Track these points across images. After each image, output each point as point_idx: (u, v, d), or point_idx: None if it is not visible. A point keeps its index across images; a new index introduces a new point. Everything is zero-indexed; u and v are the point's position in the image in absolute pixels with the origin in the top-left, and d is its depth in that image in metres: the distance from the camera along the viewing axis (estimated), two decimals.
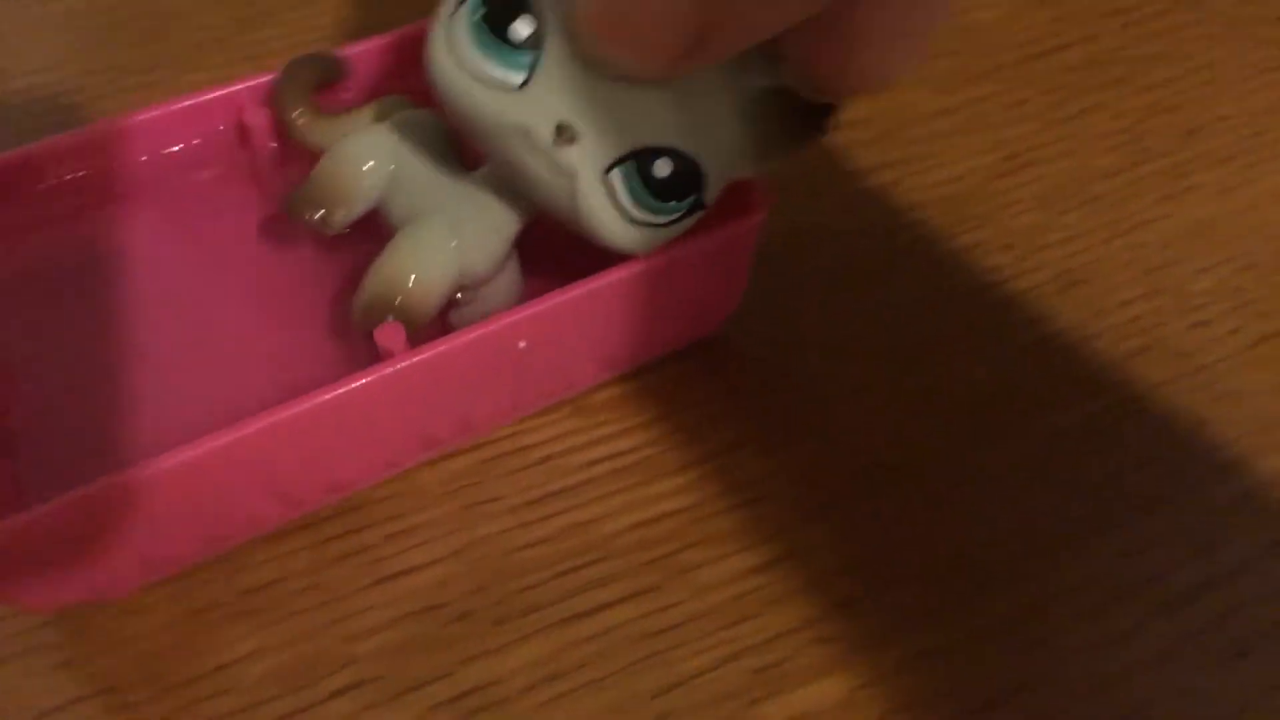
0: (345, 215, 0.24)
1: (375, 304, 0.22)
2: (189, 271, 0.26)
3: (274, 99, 0.25)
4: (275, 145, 0.26)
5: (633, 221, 0.22)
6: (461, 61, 0.21)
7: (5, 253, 0.25)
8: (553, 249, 0.23)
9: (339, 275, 0.25)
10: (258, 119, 0.26)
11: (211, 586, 0.23)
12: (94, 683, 0.21)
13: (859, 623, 0.23)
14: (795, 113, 0.22)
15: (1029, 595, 0.24)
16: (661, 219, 0.22)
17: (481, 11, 0.20)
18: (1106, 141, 0.32)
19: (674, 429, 0.25)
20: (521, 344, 0.23)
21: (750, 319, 0.27)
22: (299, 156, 0.25)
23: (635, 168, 0.21)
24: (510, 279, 0.24)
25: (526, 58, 0.20)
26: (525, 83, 0.20)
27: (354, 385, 0.21)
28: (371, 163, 0.23)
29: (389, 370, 0.21)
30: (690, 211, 0.22)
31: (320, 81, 0.25)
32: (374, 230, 0.24)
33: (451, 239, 0.23)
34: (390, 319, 0.22)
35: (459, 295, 0.23)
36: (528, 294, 0.23)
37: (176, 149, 0.26)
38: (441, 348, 0.22)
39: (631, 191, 0.21)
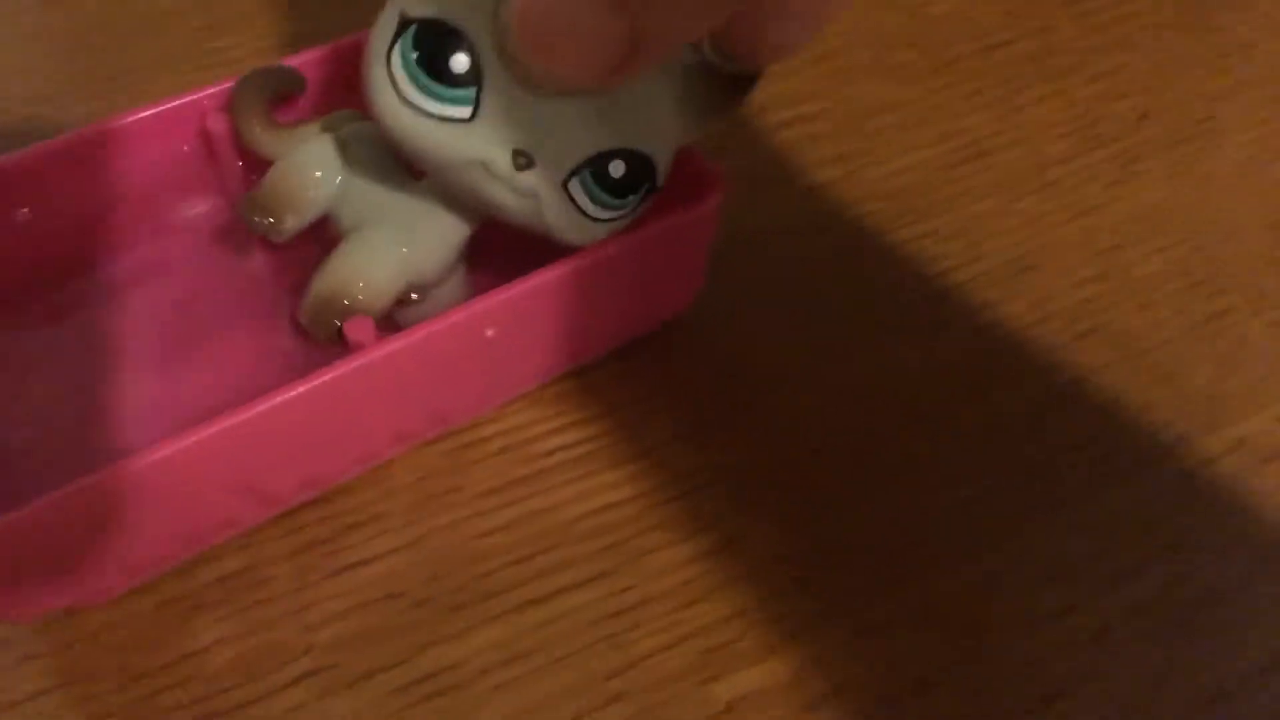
0: (295, 222, 0.24)
1: (324, 304, 0.23)
2: (153, 276, 0.26)
3: (230, 109, 0.26)
4: (237, 152, 0.26)
5: (596, 221, 0.23)
6: (407, 101, 0.21)
7: None
8: (510, 239, 0.23)
9: (303, 278, 0.26)
10: (220, 125, 0.26)
11: (176, 579, 0.23)
12: (60, 674, 0.22)
13: (804, 604, 0.23)
14: (719, 84, 0.22)
15: (970, 574, 0.24)
16: (622, 212, 0.23)
17: (415, 54, 0.21)
18: (1059, 129, 0.33)
19: (627, 419, 0.26)
20: (489, 332, 0.23)
21: (703, 312, 0.28)
22: (261, 163, 0.26)
23: (591, 175, 0.22)
24: (458, 282, 0.24)
25: (469, 91, 0.21)
26: (473, 115, 0.21)
27: (325, 378, 0.21)
28: (320, 172, 0.24)
29: (359, 362, 0.22)
30: (646, 196, 0.23)
31: (275, 93, 0.26)
32: (330, 238, 0.24)
33: (401, 245, 0.23)
34: (339, 321, 0.22)
35: (413, 296, 0.24)
36: (490, 284, 0.24)
37: (141, 156, 0.27)
38: (410, 338, 0.22)
39: (592, 196, 0.22)
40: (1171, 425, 0.27)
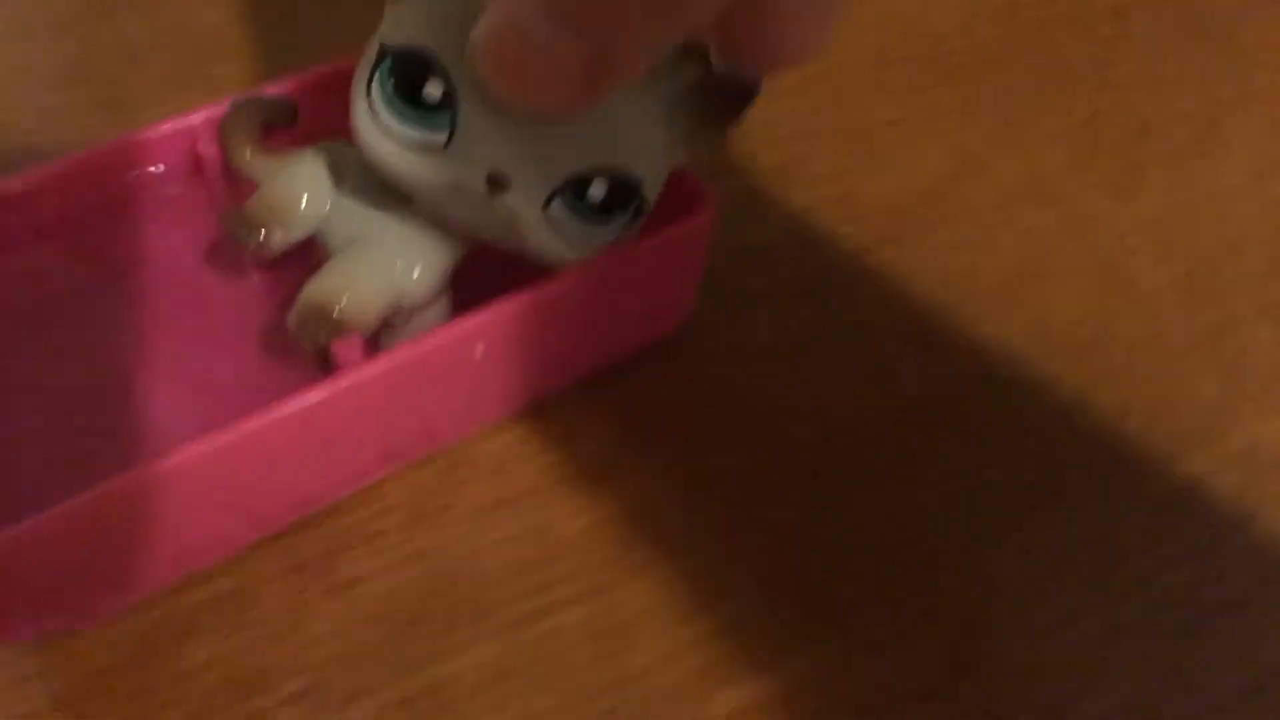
0: (283, 237, 0.24)
1: (313, 313, 0.22)
2: (143, 297, 0.26)
3: (220, 134, 0.26)
4: (227, 176, 0.26)
5: (580, 242, 0.22)
6: (387, 131, 0.22)
7: None
8: (495, 264, 0.23)
9: (284, 298, 0.26)
10: (211, 149, 0.26)
11: (168, 599, 0.23)
12: (52, 696, 0.22)
13: (804, 616, 0.23)
14: (714, 100, 0.22)
15: (970, 582, 0.24)
16: (608, 232, 0.23)
17: (391, 82, 0.21)
18: (1060, 142, 0.33)
19: (620, 435, 0.26)
20: (479, 350, 0.23)
21: (701, 328, 0.27)
22: (249, 188, 0.26)
23: (572, 196, 0.22)
24: (441, 309, 0.24)
25: (445, 116, 0.21)
26: (449, 140, 0.21)
27: (315, 398, 0.21)
28: (310, 191, 0.24)
29: (348, 382, 0.22)
30: (634, 217, 0.23)
31: (267, 121, 0.26)
32: (317, 260, 0.24)
33: (391, 264, 0.23)
34: (326, 332, 0.22)
35: (396, 318, 0.24)
36: (471, 301, 0.24)
37: (133, 178, 0.27)
38: (399, 356, 0.22)
39: (572, 217, 0.22)
40: (1179, 435, 0.26)
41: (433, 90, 0.21)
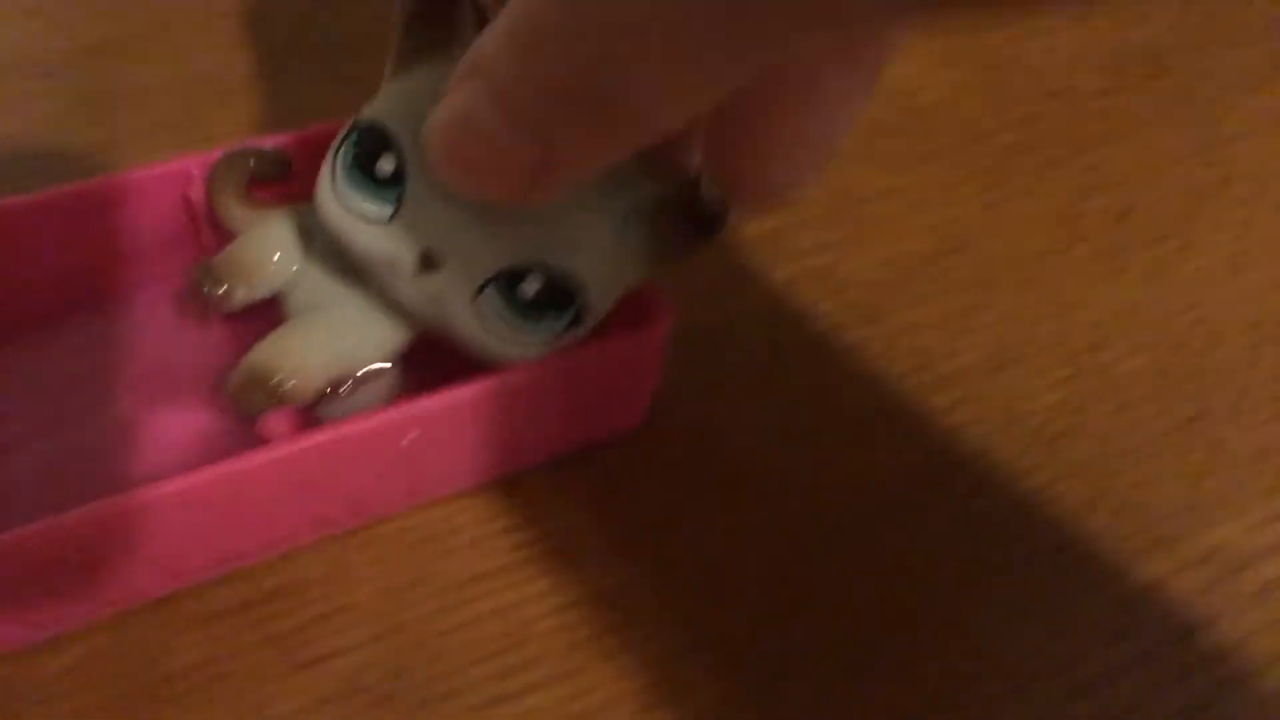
0: (245, 294, 0.25)
1: (252, 379, 0.23)
2: (114, 335, 0.27)
3: (208, 182, 0.26)
4: (215, 222, 0.27)
5: (508, 338, 0.22)
6: (341, 197, 0.22)
7: None
8: (444, 347, 0.23)
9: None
10: (202, 195, 0.27)
11: (133, 671, 0.23)
12: None
13: (771, 707, 0.23)
14: (681, 219, 0.22)
15: (937, 683, 0.24)
16: (539, 333, 0.23)
17: (352, 153, 0.22)
18: (1042, 223, 0.33)
19: (595, 513, 0.26)
20: (406, 439, 0.23)
21: (679, 401, 0.28)
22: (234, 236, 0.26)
23: (505, 286, 0.22)
24: (388, 382, 0.24)
25: (393, 192, 0.22)
26: (393, 216, 0.22)
27: (236, 468, 0.22)
28: (278, 252, 0.25)
29: (271, 455, 0.22)
30: (572, 324, 0.23)
31: (257, 173, 0.26)
32: (278, 320, 0.25)
33: (339, 337, 0.24)
34: (263, 399, 0.23)
35: (336, 390, 0.24)
36: (426, 383, 0.24)
37: (122, 218, 0.27)
38: (323, 436, 0.22)
39: (503, 310, 0.22)
40: (1143, 532, 0.27)
41: (385, 165, 0.22)
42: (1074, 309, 0.31)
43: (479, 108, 0.18)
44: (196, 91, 0.35)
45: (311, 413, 0.24)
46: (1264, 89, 0.38)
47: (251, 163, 0.26)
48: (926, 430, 0.28)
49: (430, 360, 0.25)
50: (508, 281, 0.22)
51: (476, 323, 0.22)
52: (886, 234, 0.32)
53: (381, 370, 0.24)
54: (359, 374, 0.24)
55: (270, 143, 0.27)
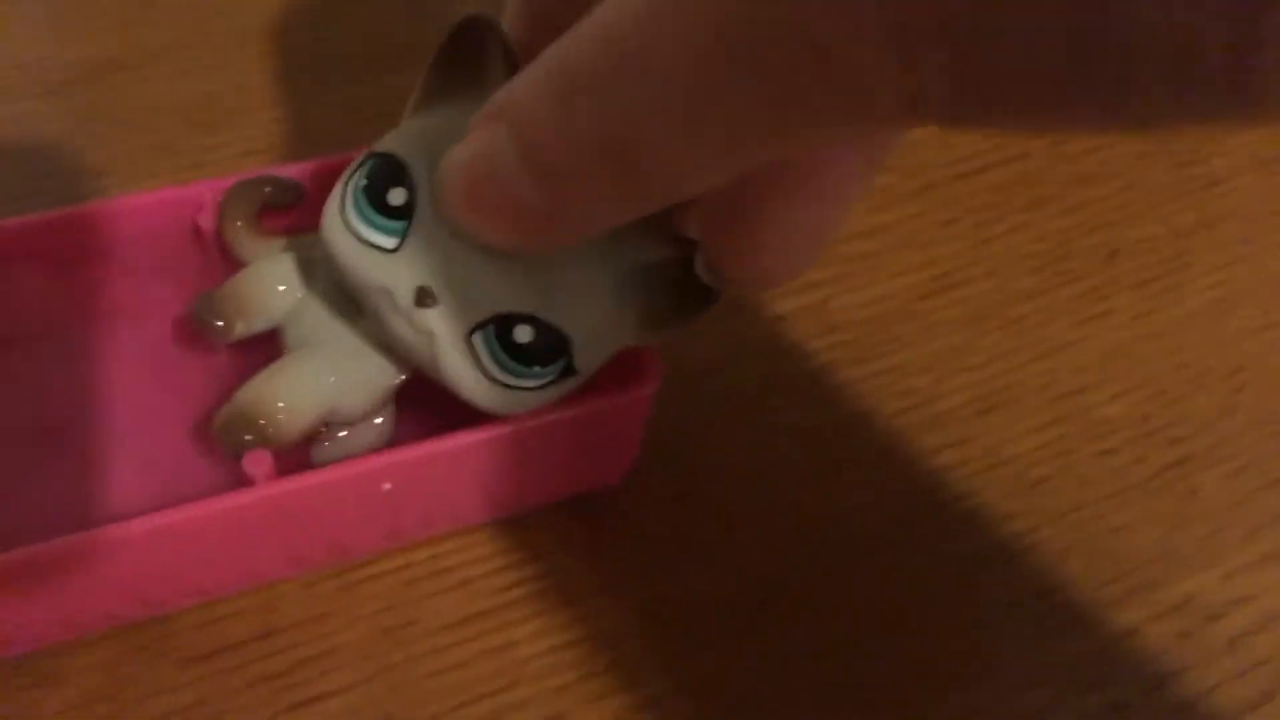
0: (243, 329, 0.25)
1: (237, 421, 0.23)
2: (111, 355, 0.27)
3: (220, 211, 0.26)
4: (223, 248, 0.27)
5: (496, 383, 0.23)
6: (347, 224, 0.22)
7: None
8: (437, 392, 0.24)
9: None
10: (211, 222, 0.27)
11: (127, 712, 0.23)
12: None
13: None
14: (676, 288, 0.23)
15: None
16: (527, 384, 0.23)
17: (365, 182, 0.22)
18: (1030, 262, 0.34)
19: (584, 556, 0.26)
20: (386, 486, 0.24)
21: (668, 439, 0.28)
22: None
23: (495, 332, 0.22)
24: (381, 425, 0.25)
25: (400, 224, 0.22)
26: (398, 247, 0.22)
27: (211, 509, 0.22)
28: (279, 286, 0.25)
29: (248, 498, 0.23)
30: (560, 378, 0.23)
31: (269, 202, 0.27)
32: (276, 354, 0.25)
33: (330, 375, 0.24)
34: (249, 438, 0.23)
35: (326, 430, 0.24)
36: (412, 430, 0.24)
37: (130, 239, 0.27)
38: (303, 482, 0.23)
39: (493, 355, 0.22)
40: (1119, 580, 0.27)
41: (396, 197, 0.22)
42: (1060, 350, 0.32)
43: (500, 150, 0.18)
44: (200, 113, 0.35)
45: (304, 453, 0.25)
46: (1251, 130, 0.38)
47: (266, 190, 0.26)
48: (912, 473, 0.29)
49: (426, 399, 0.25)
50: (500, 327, 0.22)
51: (464, 361, 0.23)
52: (876, 272, 0.33)
53: (374, 412, 0.25)
54: (347, 415, 0.24)
55: (284, 172, 0.27)
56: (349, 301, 0.24)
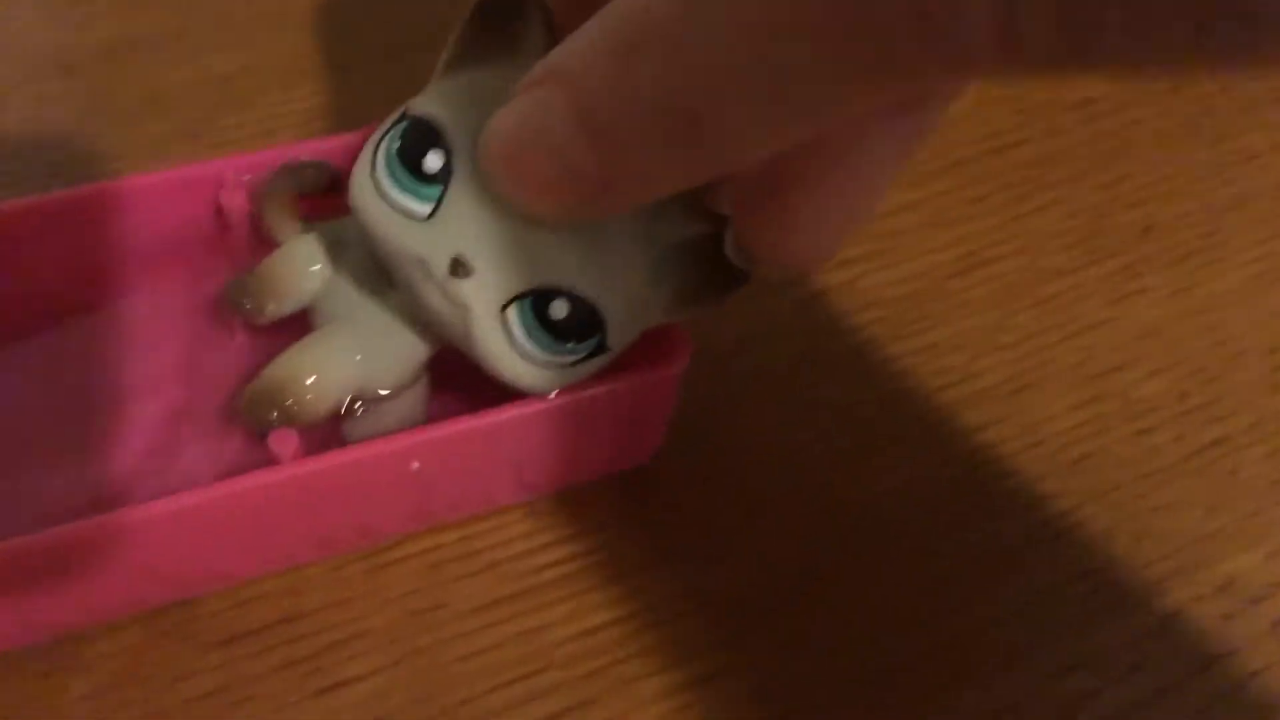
0: (275, 309, 0.25)
1: (263, 398, 0.23)
2: (129, 343, 0.27)
3: (260, 194, 0.26)
4: (249, 225, 0.27)
5: (529, 359, 0.22)
6: (378, 186, 0.22)
7: None
8: (471, 368, 0.23)
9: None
10: (235, 200, 0.26)
11: (155, 695, 0.23)
12: None
13: None
14: (708, 268, 0.22)
15: (956, 714, 0.24)
16: (559, 359, 0.22)
17: (398, 144, 0.21)
18: (1062, 240, 0.33)
19: (616, 538, 0.26)
20: (415, 465, 0.23)
21: (694, 422, 0.27)
22: (271, 242, 0.26)
23: (531, 306, 0.22)
24: (411, 401, 0.24)
25: (435, 190, 0.21)
26: (432, 214, 0.21)
27: (236, 488, 0.22)
28: (310, 266, 0.25)
29: (274, 477, 0.22)
30: (593, 354, 0.22)
31: (306, 187, 0.26)
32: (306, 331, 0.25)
33: (356, 352, 0.23)
34: (275, 416, 0.23)
35: (357, 406, 0.24)
36: (441, 409, 0.24)
37: (150, 219, 0.27)
38: (330, 462, 0.22)
39: (527, 329, 0.22)
40: (1161, 561, 0.27)
41: (432, 162, 0.21)
42: (1095, 328, 0.31)
43: (550, 114, 0.18)
44: (218, 93, 0.35)
45: (336, 431, 0.24)
46: None
47: (308, 174, 0.26)
48: (947, 453, 0.28)
49: (454, 377, 0.24)
50: (537, 300, 0.22)
51: (497, 334, 0.22)
52: (907, 250, 0.32)
53: (405, 388, 0.24)
54: (376, 391, 0.24)
55: (305, 150, 0.27)
56: (379, 276, 0.24)
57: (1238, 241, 0.33)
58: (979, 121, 0.36)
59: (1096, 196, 0.34)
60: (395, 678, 0.24)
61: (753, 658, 0.24)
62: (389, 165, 0.22)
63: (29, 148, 0.33)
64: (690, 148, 0.17)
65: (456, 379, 0.25)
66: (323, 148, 0.27)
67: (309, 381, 0.23)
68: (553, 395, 0.23)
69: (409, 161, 0.21)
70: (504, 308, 0.22)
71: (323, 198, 0.27)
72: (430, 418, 0.24)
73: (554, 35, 0.21)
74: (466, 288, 0.21)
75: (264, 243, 0.26)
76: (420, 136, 0.21)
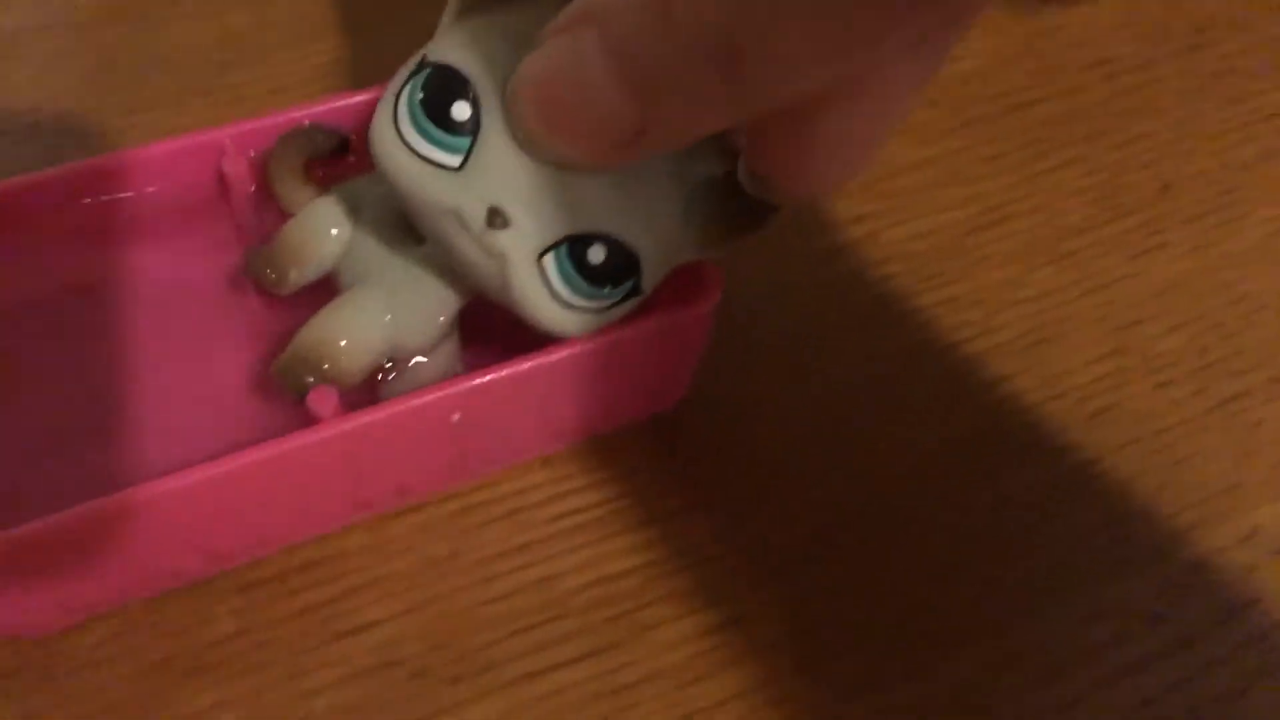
0: (298, 277, 0.24)
1: (297, 364, 0.23)
2: (147, 310, 0.26)
3: (269, 164, 0.26)
4: (252, 192, 0.27)
5: (566, 306, 0.22)
6: (403, 139, 0.21)
7: None
8: (502, 316, 0.23)
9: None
10: (236, 167, 0.26)
11: (171, 639, 0.23)
12: None
13: (808, 688, 0.23)
14: (738, 203, 0.22)
15: (979, 662, 0.24)
16: (596, 304, 0.22)
17: (421, 95, 0.21)
18: (1081, 197, 0.33)
19: (634, 487, 0.26)
20: (455, 417, 0.23)
21: (716, 374, 0.27)
22: (275, 204, 0.26)
23: (568, 253, 0.21)
24: (446, 356, 0.24)
25: (464, 140, 0.21)
26: (462, 165, 0.21)
27: (280, 449, 0.21)
28: (329, 229, 0.24)
29: (318, 435, 0.22)
30: (628, 296, 0.22)
31: (314, 152, 0.26)
32: (331, 294, 0.24)
33: (385, 312, 0.23)
34: (311, 380, 0.22)
35: (389, 365, 0.24)
36: (476, 360, 0.24)
37: (155, 191, 0.27)
38: (371, 416, 0.22)
39: (565, 277, 0.21)
40: (1184, 512, 0.26)
41: (460, 111, 0.21)
42: (1114, 284, 0.31)
43: (585, 58, 0.17)
44: (229, 50, 0.34)
45: (372, 395, 0.24)
46: None
47: (315, 140, 0.26)
48: (965, 407, 0.28)
49: (483, 328, 0.24)
50: (573, 247, 0.21)
51: (534, 283, 0.22)
52: (922, 206, 0.32)
53: (438, 342, 0.24)
54: (410, 348, 0.23)
55: (319, 110, 0.26)
56: (401, 232, 0.24)
57: (1257, 199, 0.33)
58: (996, 80, 0.36)
59: (1115, 154, 0.34)
60: (414, 622, 0.24)
61: (773, 605, 0.24)
62: (413, 117, 0.21)
63: (43, 103, 0.33)
64: (732, 85, 0.16)
65: (483, 331, 0.24)
66: (323, 110, 0.27)
67: (342, 344, 0.23)
68: (593, 336, 0.23)
69: (434, 112, 0.21)
70: (541, 256, 0.21)
71: (329, 161, 0.26)
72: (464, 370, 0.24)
73: None
74: (504, 238, 0.21)
75: (269, 209, 0.26)
76: (444, 85, 0.21)
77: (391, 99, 0.21)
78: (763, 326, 0.29)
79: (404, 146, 0.21)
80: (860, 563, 0.25)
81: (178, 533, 0.22)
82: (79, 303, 0.26)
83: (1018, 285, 0.30)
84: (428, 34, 0.22)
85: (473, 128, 0.21)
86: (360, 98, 0.27)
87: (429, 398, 0.22)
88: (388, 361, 0.24)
